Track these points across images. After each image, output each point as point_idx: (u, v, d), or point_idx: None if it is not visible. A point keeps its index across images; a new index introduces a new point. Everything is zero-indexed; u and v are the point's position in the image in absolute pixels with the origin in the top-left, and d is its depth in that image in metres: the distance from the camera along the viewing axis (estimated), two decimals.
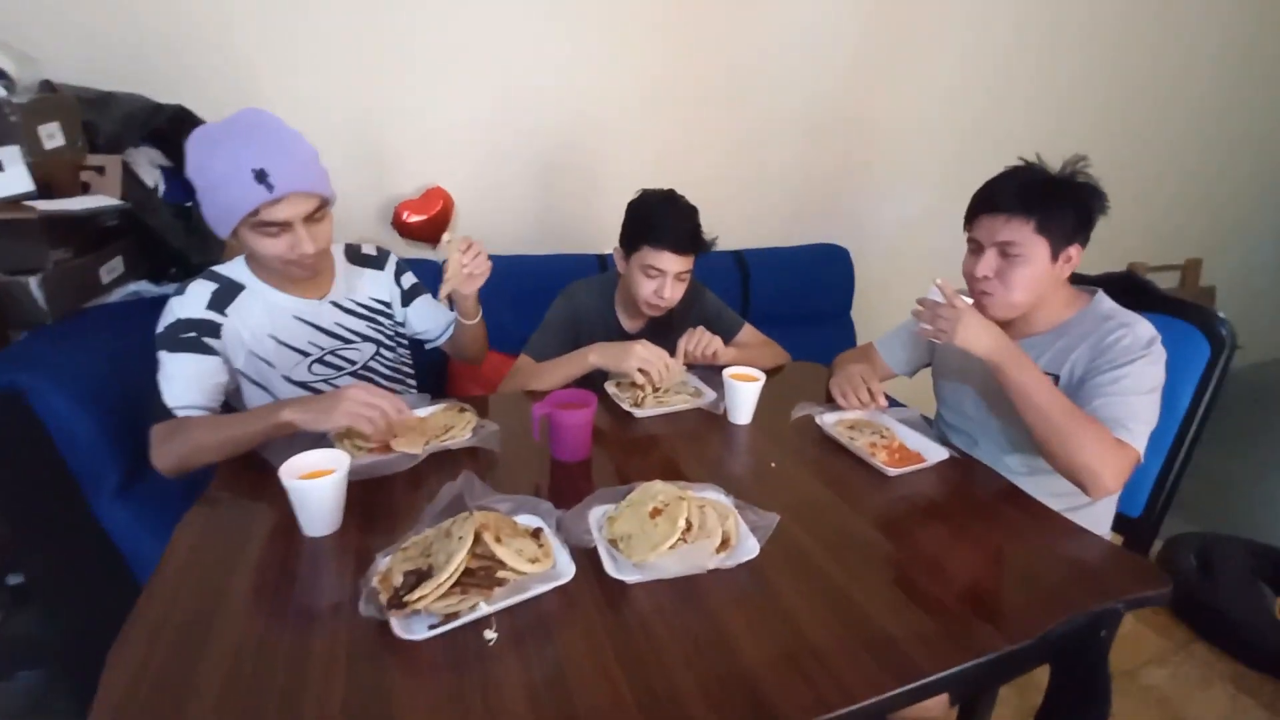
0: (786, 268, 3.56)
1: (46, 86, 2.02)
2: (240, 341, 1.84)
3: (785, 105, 3.54)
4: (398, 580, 1.13)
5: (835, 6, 3.42)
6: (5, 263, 1.84)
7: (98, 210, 1.98)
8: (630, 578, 1.24)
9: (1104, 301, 1.86)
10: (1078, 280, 1.96)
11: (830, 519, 1.52)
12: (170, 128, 2.23)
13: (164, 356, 1.72)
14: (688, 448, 1.84)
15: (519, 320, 2.51)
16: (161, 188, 2.28)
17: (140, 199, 2.14)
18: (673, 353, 2.05)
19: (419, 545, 1.24)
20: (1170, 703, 2.58)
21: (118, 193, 2.06)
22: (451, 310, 2.21)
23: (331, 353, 2.00)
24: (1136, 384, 1.68)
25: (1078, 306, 1.88)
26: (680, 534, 1.29)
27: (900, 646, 1.13)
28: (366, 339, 2.08)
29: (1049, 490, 1.68)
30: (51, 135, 1.92)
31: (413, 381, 2.30)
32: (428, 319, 2.23)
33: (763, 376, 1.95)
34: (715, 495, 1.47)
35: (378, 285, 2.13)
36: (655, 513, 1.34)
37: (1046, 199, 1.74)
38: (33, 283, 1.85)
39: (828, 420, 1.93)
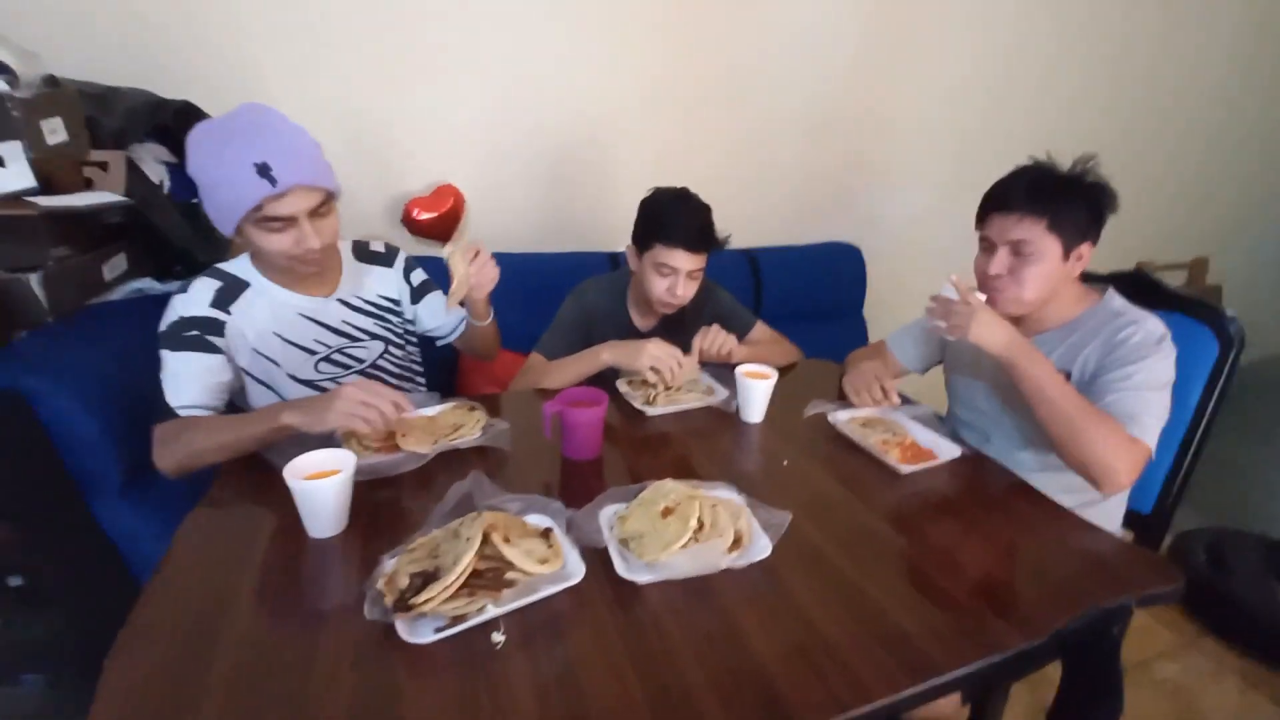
0: (798, 266, 3.57)
1: (50, 81, 2.00)
2: (244, 340, 1.83)
3: (790, 102, 3.53)
4: (404, 582, 1.12)
5: (839, 5, 3.41)
6: (5, 260, 1.82)
7: (100, 206, 1.96)
8: (641, 578, 1.23)
9: (1114, 299, 1.85)
10: (1087, 278, 1.94)
11: (843, 517, 1.51)
12: (176, 123, 2.22)
13: (166, 355, 1.71)
14: (699, 446, 1.83)
15: (529, 318, 2.49)
16: (167, 184, 2.26)
17: (144, 195, 2.12)
18: (686, 351, 2.03)
19: (426, 546, 1.23)
20: (1181, 696, 2.58)
21: (121, 189, 2.05)
22: (462, 309, 2.19)
23: (338, 351, 1.98)
24: (1148, 380, 1.67)
25: (1088, 303, 1.87)
26: (692, 533, 1.27)
27: (914, 643, 1.12)
28: (375, 337, 2.06)
29: (1061, 486, 1.68)
30: (54, 130, 1.90)
31: (422, 380, 2.29)
32: (438, 316, 2.21)
33: (775, 374, 1.94)
34: (727, 494, 1.46)
35: (386, 283, 2.11)
36: (667, 512, 1.33)
37: (1058, 197, 1.74)
38: (33, 280, 1.83)
39: (840, 418, 1.92)
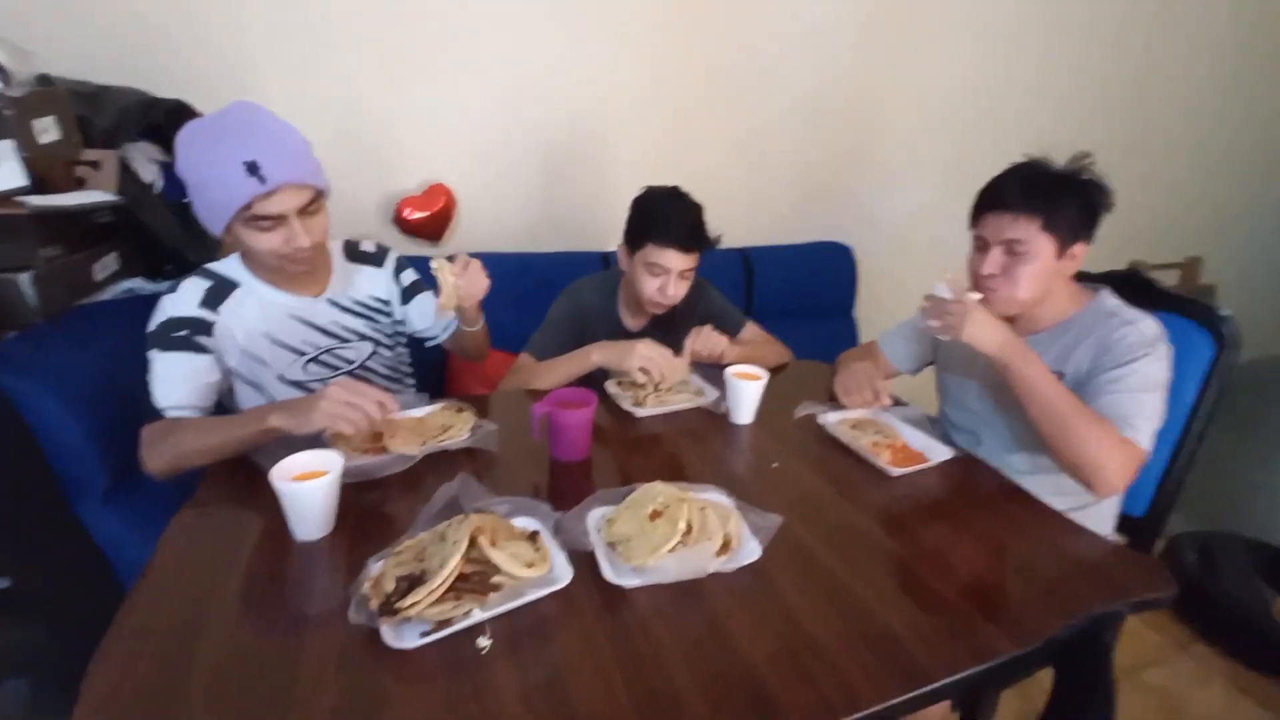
0: (789, 265, 3.56)
1: (43, 80, 1.99)
2: (233, 340, 1.82)
3: (784, 102, 3.53)
4: (390, 586, 1.11)
5: (835, 3, 3.41)
6: None
7: (91, 206, 1.96)
8: (629, 582, 1.23)
9: (1108, 298, 1.84)
10: (1081, 278, 1.94)
11: (833, 519, 1.50)
12: (168, 123, 2.21)
13: (155, 355, 1.70)
14: (689, 447, 1.83)
15: (520, 318, 2.48)
16: (159, 184, 2.25)
17: (136, 195, 2.12)
18: (676, 351, 2.03)
19: (413, 549, 1.22)
20: (1169, 701, 2.58)
21: (113, 188, 2.04)
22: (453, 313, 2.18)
23: (328, 351, 1.97)
24: (1142, 381, 1.66)
25: (1082, 303, 1.86)
26: (681, 536, 1.26)
27: (905, 648, 1.12)
28: (364, 338, 2.05)
29: (1053, 489, 1.67)
30: (46, 129, 1.90)
31: (411, 381, 2.28)
32: (428, 317, 2.19)
33: (765, 375, 1.93)
34: (716, 496, 1.46)
35: (376, 283, 2.10)
36: (655, 515, 1.32)
37: (1052, 196, 1.73)
38: (23, 280, 1.82)
39: (830, 419, 1.91)
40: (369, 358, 2.07)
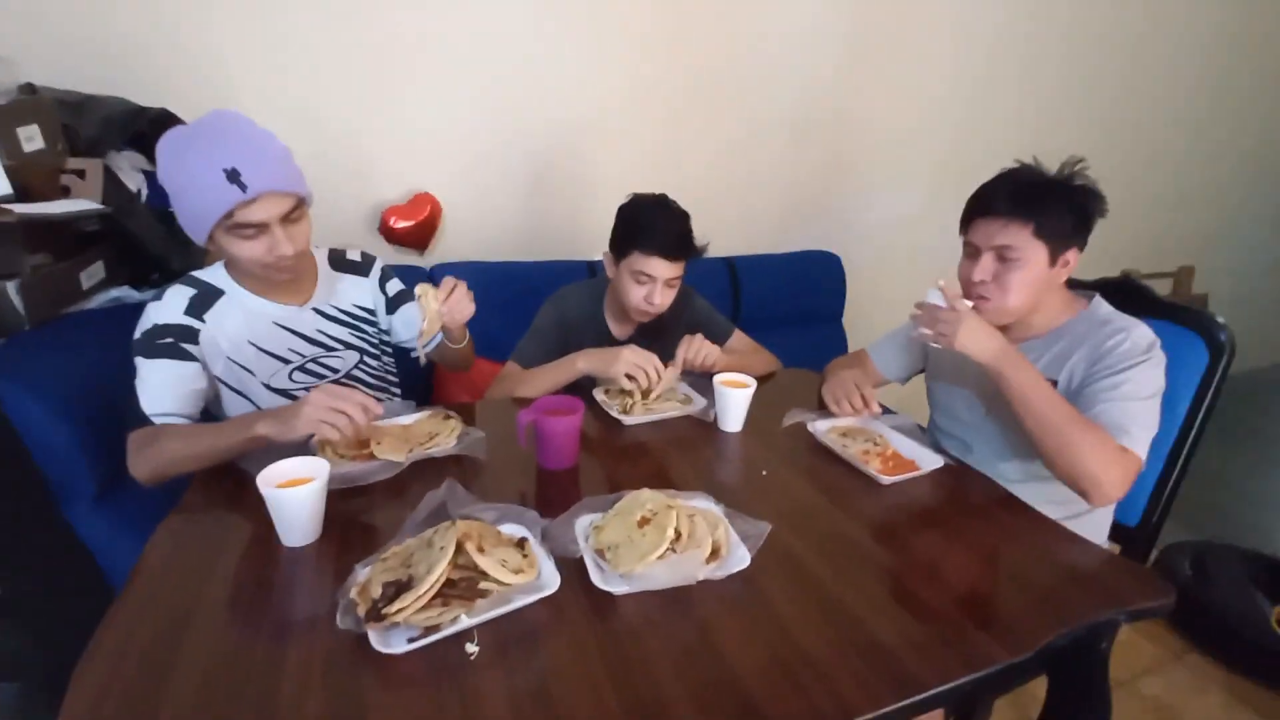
0: (777, 273, 3.56)
1: (27, 89, 1.99)
2: (219, 348, 1.81)
3: (772, 110, 3.54)
4: (376, 591, 1.10)
5: (822, 10, 3.42)
6: None
7: (77, 214, 1.95)
8: (617, 589, 1.22)
9: (1101, 305, 1.84)
10: (1073, 285, 1.94)
11: (823, 528, 1.49)
12: (153, 131, 2.19)
13: (141, 363, 1.69)
14: (678, 455, 1.81)
15: (507, 327, 2.47)
16: (145, 192, 2.24)
17: (121, 203, 2.10)
18: (664, 359, 2.02)
19: (399, 555, 1.21)
20: (1166, 712, 2.57)
21: (98, 196, 2.03)
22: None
23: (313, 360, 1.97)
24: (1137, 389, 1.65)
25: (1075, 310, 1.86)
26: (669, 543, 1.26)
27: (897, 657, 1.11)
28: (349, 346, 2.05)
29: (1046, 498, 1.66)
30: (30, 138, 1.88)
31: (397, 390, 2.27)
32: (413, 327, 2.17)
33: (754, 383, 1.93)
34: (705, 504, 1.45)
35: (362, 292, 2.10)
36: (643, 521, 1.32)
37: (1045, 202, 1.72)
38: (10, 288, 1.81)
39: (820, 427, 1.90)
40: (355, 366, 2.06)
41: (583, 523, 1.39)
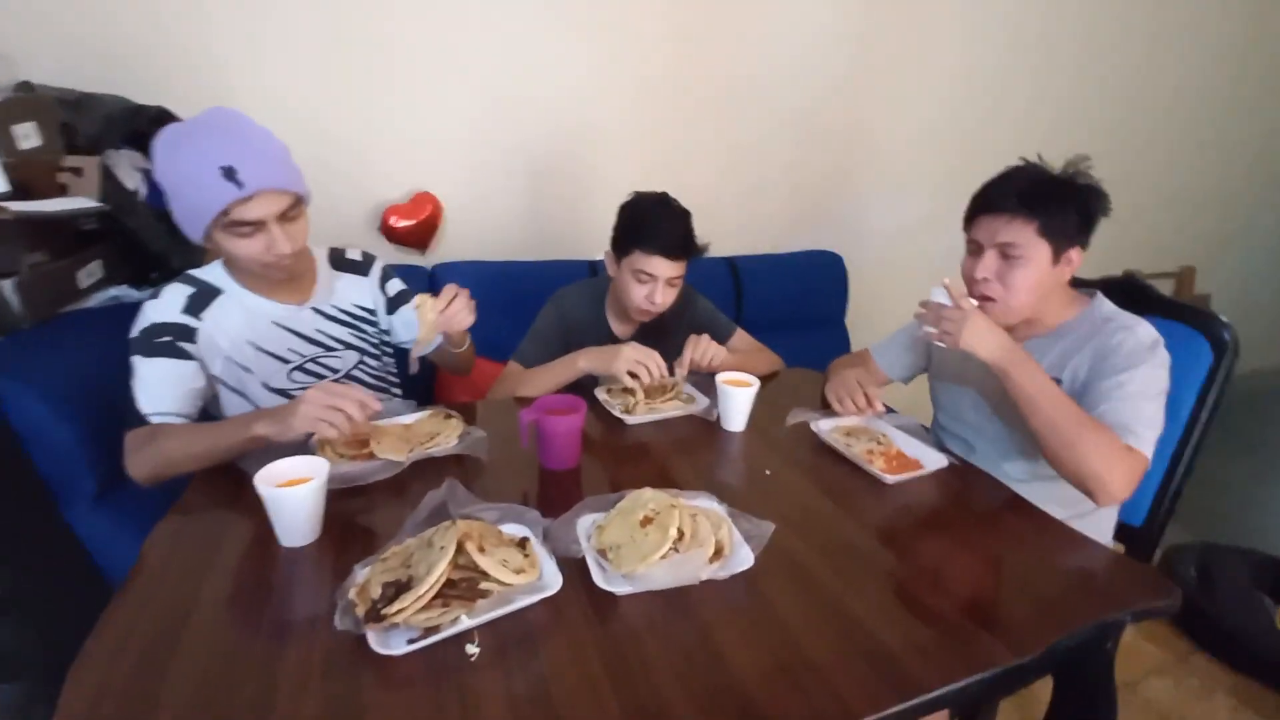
0: (779, 273, 3.55)
1: (24, 86, 1.98)
2: (217, 347, 1.80)
3: (777, 111, 3.54)
4: (376, 592, 1.09)
5: (829, 16, 3.42)
6: None
7: (75, 212, 1.95)
8: (619, 589, 1.20)
9: (1103, 303, 1.83)
10: (1075, 283, 1.92)
11: (827, 528, 1.48)
12: (151, 130, 2.17)
13: (138, 362, 1.69)
14: (680, 455, 1.81)
15: (508, 326, 2.46)
16: (143, 191, 2.23)
17: (120, 201, 2.10)
18: (666, 359, 2.01)
19: (399, 555, 1.20)
20: (1171, 715, 2.55)
21: (96, 195, 2.02)
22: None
23: (312, 360, 1.96)
24: (1142, 388, 1.63)
25: (1078, 309, 1.85)
26: (672, 543, 1.24)
27: (900, 659, 1.09)
28: (349, 346, 2.04)
29: (1050, 497, 1.64)
30: (27, 135, 1.88)
31: (398, 390, 2.26)
32: (414, 328, 2.15)
33: (757, 382, 1.92)
34: (708, 503, 1.43)
35: (361, 291, 2.09)
36: (646, 521, 1.30)
37: (1049, 199, 1.71)
38: (7, 286, 1.80)
39: (823, 427, 1.89)
40: (355, 367, 2.06)
41: (584, 522, 1.38)
